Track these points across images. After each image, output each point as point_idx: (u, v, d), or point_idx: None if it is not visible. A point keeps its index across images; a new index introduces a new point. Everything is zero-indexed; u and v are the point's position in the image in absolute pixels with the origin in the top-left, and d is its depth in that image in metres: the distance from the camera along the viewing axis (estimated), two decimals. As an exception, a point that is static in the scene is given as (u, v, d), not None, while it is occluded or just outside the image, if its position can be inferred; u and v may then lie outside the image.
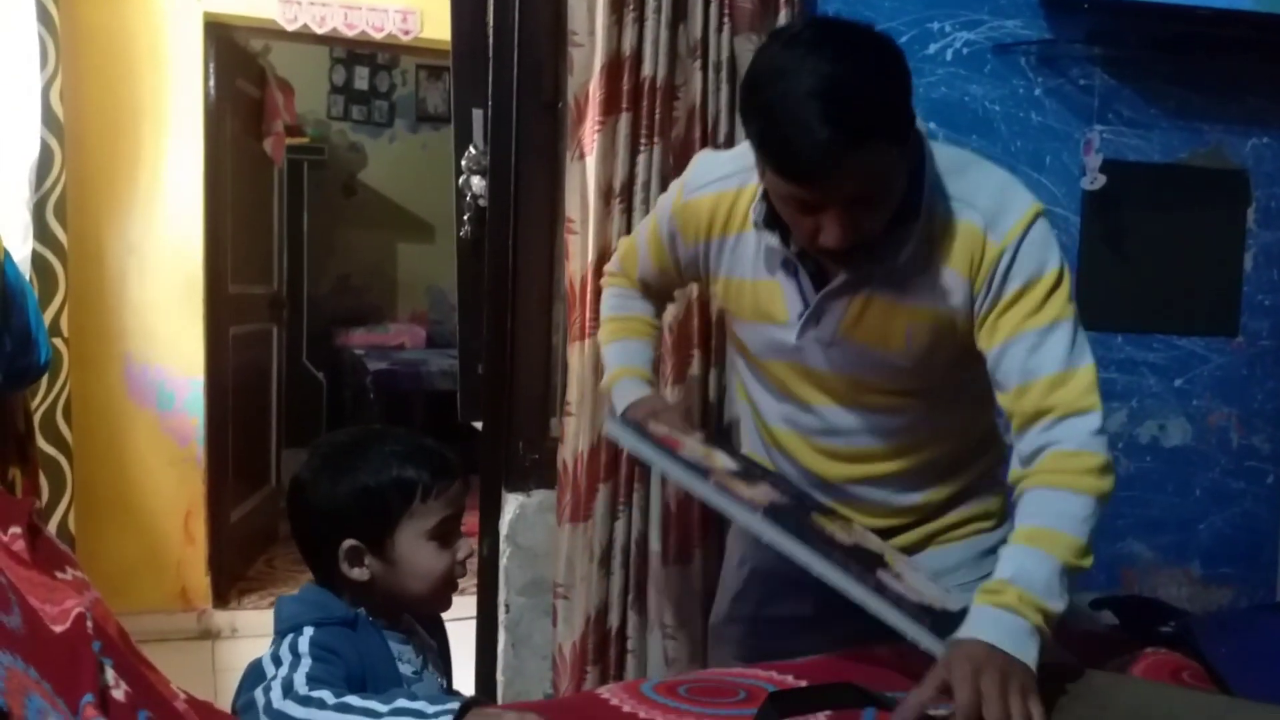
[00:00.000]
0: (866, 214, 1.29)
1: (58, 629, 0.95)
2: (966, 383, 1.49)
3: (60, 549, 1.22)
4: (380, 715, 1.07)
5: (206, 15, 3.50)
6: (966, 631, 1.20)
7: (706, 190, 1.52)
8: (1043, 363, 1.34)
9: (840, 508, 1.54)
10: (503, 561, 2.29)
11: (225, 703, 1.19)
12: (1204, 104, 2.56)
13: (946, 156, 1.41)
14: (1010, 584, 1.22)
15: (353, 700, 1.09)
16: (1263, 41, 2.45)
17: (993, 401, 1.50)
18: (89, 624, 0.97)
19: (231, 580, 3.93)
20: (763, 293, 1.48)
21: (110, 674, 0.95)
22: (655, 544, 2.22)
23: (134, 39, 3.40)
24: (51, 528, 2.65)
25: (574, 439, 2.15)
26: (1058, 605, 1.22)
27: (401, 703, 1.08)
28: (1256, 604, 2.65)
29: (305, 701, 1.09)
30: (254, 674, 1.18)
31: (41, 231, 2.93)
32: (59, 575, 1.12)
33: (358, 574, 1.25)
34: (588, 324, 2.11)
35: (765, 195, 1.38)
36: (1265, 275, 2.64)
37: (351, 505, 1.24)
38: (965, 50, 2.37)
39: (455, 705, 1.08)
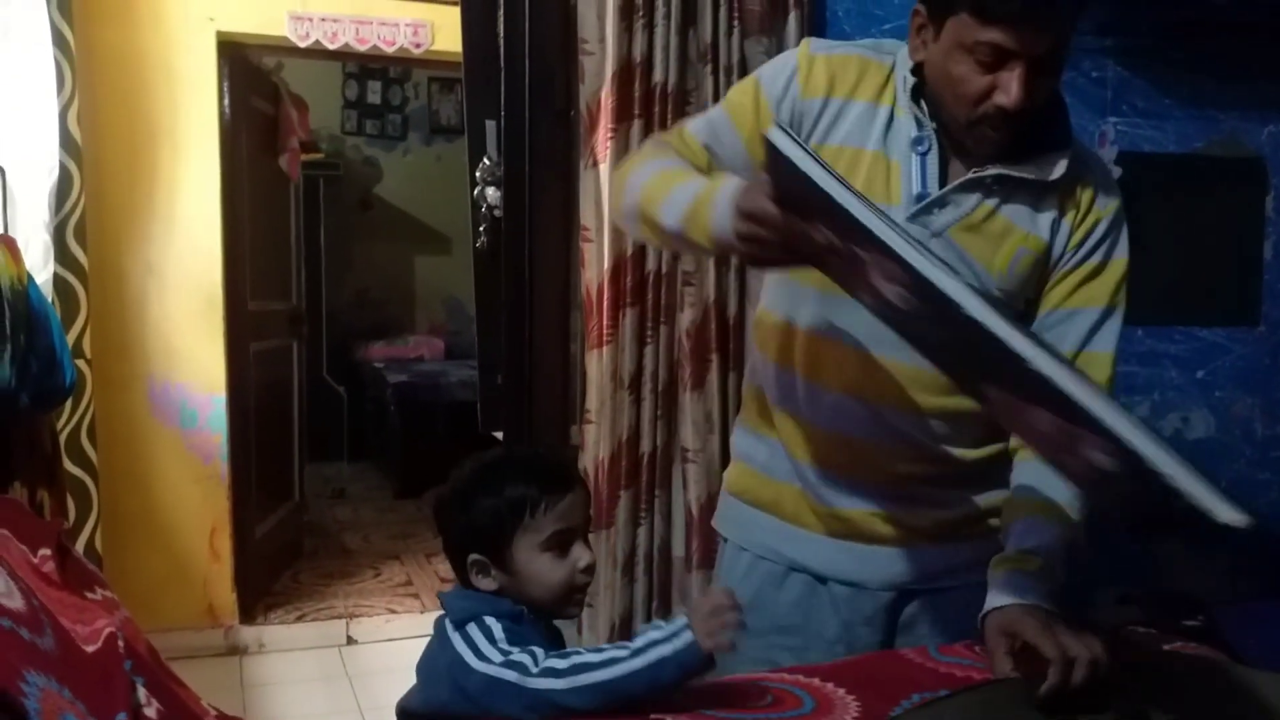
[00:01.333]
0: (1043, 79, 1.32)
1: (90, 649, 0.96)
2: None
3: (89, 569, 1.23)
4: (632, 645, 1.19)
5: (219, 34, 3.53)
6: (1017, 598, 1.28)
7: (844, 51, 1.46)
8: (1105, 340, 1.43)
9: (872, 452, 1.47)
10: (527, 570, 2.29)
11: (254, 718, 1.20)
12: (1218, 91, 2.54)
13: None
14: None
15: (605, 645, 1.22)
16: (1276, 25, 2.44)
17: None
18: (120, 643, 0.98)
19: (258, 596, 3.95)
20: (878, 167, 1.42)
21: (142, 692, 0.96)
22: (678, 549, 2.22)
23: (148, 60, 3.43)
24: (79, 548, 2.67)
25: (594, 446, 2.15)
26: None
27: (638, 643, 1.20)
28: (1286, 595, 2.63)
29: (564, 656, 1.20)
30: (454, 665, 1.23)
31: (62, 254, 2.96)
32: (89, 595, 1.13)
33: (485, 584, 1.34)
34: (605, 332, 2.12)
35: (915, 69, 1.39)
36: (1286, 263, 2.63)
37: (473, 524, 1.34)
38: (976, 46, 2.37)
39: (683, 621, 1.19)
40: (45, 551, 1.14)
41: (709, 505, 2.17)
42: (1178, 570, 2.56)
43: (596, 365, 2.14)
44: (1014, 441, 1.42)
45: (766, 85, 1.45)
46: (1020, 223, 1.42)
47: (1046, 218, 1.42)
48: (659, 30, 2.09)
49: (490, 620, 1.27)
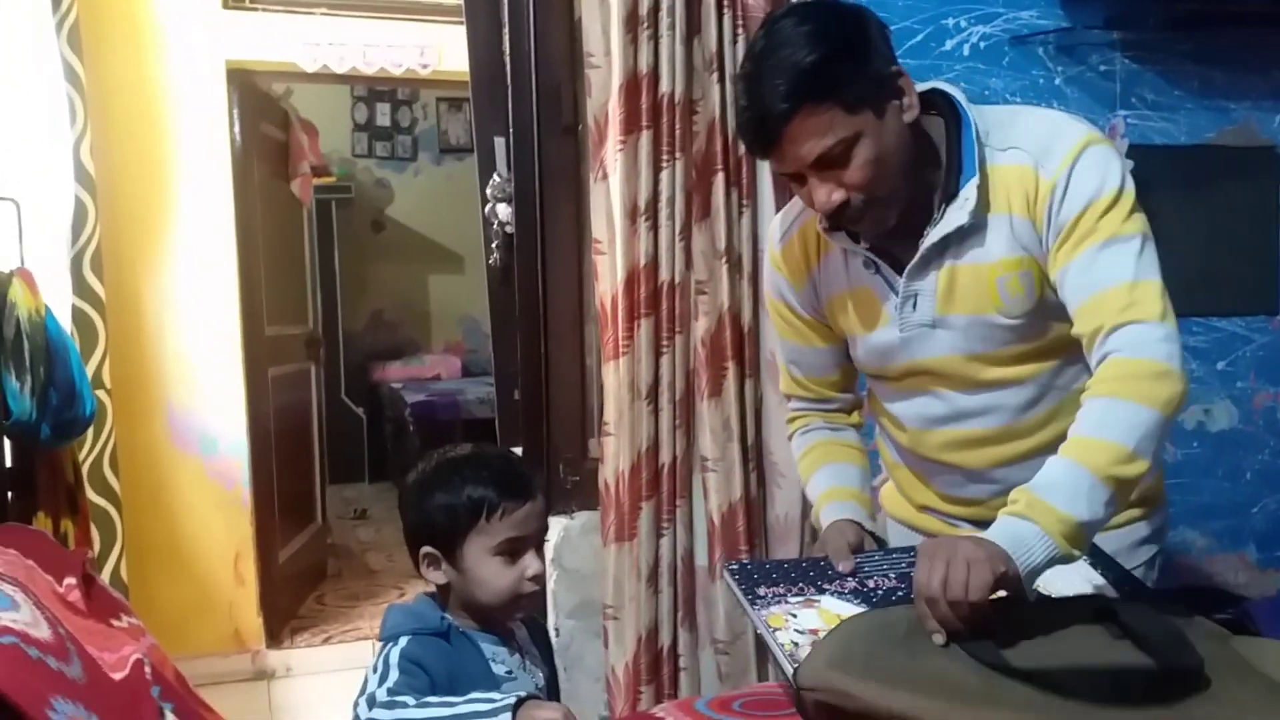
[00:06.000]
0: (847, 172, 1.32)
1: (117, 676, 0.96)
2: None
3: (114, 596, 1.23)
4: (454, 705, 1.20)
5: (229, 63, 3.55)
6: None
7: (790, 229, 1.57)
8: (1100, 278, 1.32)
9: (995, 500, 1.41)
10: (550, 585, 2.29)
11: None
12: (1229, 81, 2.53)
13: (995, 112, 1.43)
14: (1026, 490, 1.22)
15: (431, 699, 1.23)
16: (1283, 14, 2.43)
17: None
18: (147, 669, 0.98)
19: (283, 620, 3.96)
20: (861, 299, 1.50)
21: (170, 718, 0.96)
22: (701, 559, 2.21)
23: (159, 91, 3.45)
24: (105, 577, 2.68)
25: (614, 459, 2.15)
26: (1080, 513, 1.19)
27: (475, 695, 1.21)
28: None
29: (389, 706, 1.22)
30: (362, 690, 1.29)
31: (80, 286, 2.98)
32: (115, 623, 1.14)
33: (434, 577, 1.38)
34: (620, 343, 2.12)
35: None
36: (1302, 250, 2.60)
37: (430, 516, 1.37)
38: (982, 44, 2.36)
39: (512, 700, 1.19)
40: (70, 581, 1.15)
41: (730, 514, 2.17)
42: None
43: (613, 377, 2.14)
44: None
45: (777, 294, 1.61)
46: (984, 258, 1.40)
47: (1001, 235, 1.39)
48: (664, 41, 2.09)
49: (395, 652, 1.30)
